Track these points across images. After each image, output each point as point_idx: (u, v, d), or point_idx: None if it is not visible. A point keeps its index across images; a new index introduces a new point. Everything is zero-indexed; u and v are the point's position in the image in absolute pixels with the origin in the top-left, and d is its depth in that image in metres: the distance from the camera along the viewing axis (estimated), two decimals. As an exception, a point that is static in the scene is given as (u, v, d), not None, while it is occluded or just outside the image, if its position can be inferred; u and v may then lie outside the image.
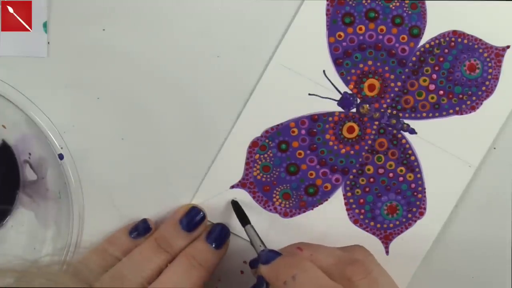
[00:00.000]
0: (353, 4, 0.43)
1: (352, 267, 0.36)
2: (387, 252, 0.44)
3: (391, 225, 0.44)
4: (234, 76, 0.43)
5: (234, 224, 0.43)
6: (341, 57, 0.43)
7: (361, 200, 0.44)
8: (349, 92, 0.43)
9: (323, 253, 0.37)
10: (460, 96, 0.44)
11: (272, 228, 0.41)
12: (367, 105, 0.44)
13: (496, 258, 0.45)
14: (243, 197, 0.44)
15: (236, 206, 0.43)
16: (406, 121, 0.44)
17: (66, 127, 0.43)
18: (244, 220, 0.41)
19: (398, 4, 0.43)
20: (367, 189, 0.44)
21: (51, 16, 0.42)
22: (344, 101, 0.43)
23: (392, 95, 0.44)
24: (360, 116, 0.44)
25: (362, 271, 0.35)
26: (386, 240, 0.44)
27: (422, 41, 0.43)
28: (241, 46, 0.43)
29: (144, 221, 0.43)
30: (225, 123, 0.43)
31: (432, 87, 0.43)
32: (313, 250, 0.37)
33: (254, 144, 0.43)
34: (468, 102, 0.44)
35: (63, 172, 0.42)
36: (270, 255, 0.37)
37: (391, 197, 0.44)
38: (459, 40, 0.43)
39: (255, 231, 0.40)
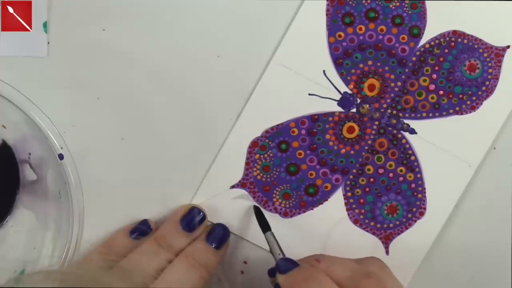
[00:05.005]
0: (353, 4, 0.43)
1: (367, 280, 0.36)
2: (387, 252, 0.44)
3: (391, 225, 0.44)
4: (234, 76, 0.43)
5: (234, 224, 0.43)
6: (341, 57, 0.43)
7: (361, 200, 0.44)
8: (349, 92, 0.43)
9: (339, 266, 0.37)
10: (460, 96, 0.44)
11: (272, 228, 0.41)
12: (367, 105, 0.44)
13: (496, 258, 0.45)
14: (243, 197, 0.44)
15: (258, 211, 0.43)
16: (406, 121, 0.44)
17: (66, 127, 0.43)
18: (265, 226, 0.41)
19: (398, 4, 0.43)
20: (367, 189, 0.44)
21: (51, 16, 0.42)
22: (344, 101, 0.43)
23: (392, 95, 0.44)
24: (360, 116, 0.44)
25: (377, 285, 0.36)
26: (386, 240, 0.44)
27: (422, 41, 0.43)
28: (241, 46, 0.43)
29: (144, 221, 0.43)
30: (225, 123, 0.43)
31: (432, 87, 0.43)
32: (329, 262, 0.38)
33: (254, 144, 0.43)
34: (468, 102, 0.44)
35: (63, 172, 0.42)
36: (287, 265, 0.37)
37: (391, 197, 0.44)
38: (459, 40, 0.43)
39: (275, 238, 0.40)
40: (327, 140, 0.44)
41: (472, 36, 0.43)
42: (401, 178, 0.44)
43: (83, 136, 0.43)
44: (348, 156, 0.44)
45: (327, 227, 0.44)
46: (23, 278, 0.39)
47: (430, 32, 0.43)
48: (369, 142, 0.44)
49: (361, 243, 0.44)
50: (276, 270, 0.38)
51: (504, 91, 0.43)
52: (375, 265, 0.38)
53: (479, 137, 0.44)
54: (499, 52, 0.43)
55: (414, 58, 0.43)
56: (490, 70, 0.43)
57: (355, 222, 0.44)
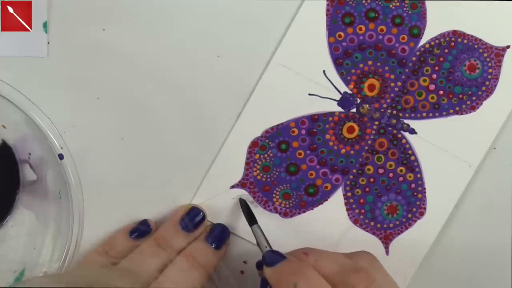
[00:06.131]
0: (353, 4, 0.43)
1: (356, 275, 0.35)
2: (387, 252, 0.44)
3: (391, 225, 0.44)
4: (234, 76, 0.43)
5: (234, 224, 0.43)
6: (341, 57, 0.43)
7: (361, 200, 0.44)
8: (349, 92, 0.43)
9: (328, 260, 0.37)
10: (460, 96, 0.44)
11: (272, 228, 0.41)
12: (367, 105, 0.44)
13: (496, 258, 0.45)
14: (243, 197, 0.43)
15: (244, 205, 0.43)
16: (406, 121, 0.44)
17: (66, 127, 0.43)
18: (251, 219, 0.41)
19: (398, 4, 0.43)
20: (367, 189, 0.44)
21: (51, 16, 0.42)
22: (344, 101, 0.43)
23: (392, 95, 0.44)
24: (360, 116, 0.44)
25: (365, 279, 0.35)
26: (386, 240, 0.44)
27: (422, 41, 0.43)
28: (241, 46, 0.43)
29: (144, 221, 0.43)
30: (225, 123, 0.43)
31: (432, 87, 0.43)
32: (318, 256, 0.37)
33: (254, 144, 0.43)
34: (468, 102, 0.44)
35: (63, 172, 0.42)
36: (274, 258, 0.37)
37: (391, 197, 0.44)
38: (459, 40, 0.43)
39: (261, 231, 0.40)
40: (327, 140, 0.44)
41: (472, 36, 0.43)
42: (401, 178, 0.44)
43: (83, 136, 0.43)
44: (348, 156, 0.44)
45: (327, 227, 0.44)
46: (27, 282, 0.39)
47: (430, 32, 0.43)
48: (369, 142, 0.44)
49: (361, 243, 0.44)
50: (262, 262, 0.37)
51: (504, 91, 0.43)
52: (365, 259, 0.38)
53: (479, 137, 0.44)
54: (499, 52, 0.43)
55: (414, 58, 0.43)
56: (490, 70, 0.43)
57: (355, 222, 0.44)
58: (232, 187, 0.44)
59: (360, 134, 0.44)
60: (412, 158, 0.44)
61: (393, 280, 0.37)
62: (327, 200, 0.44)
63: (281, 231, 0.43)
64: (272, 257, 0.37)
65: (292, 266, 0.36)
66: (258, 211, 0.43)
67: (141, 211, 0.43)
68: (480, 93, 0.43)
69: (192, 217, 0.42)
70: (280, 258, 0.37)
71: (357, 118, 0.44)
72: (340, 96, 0.43)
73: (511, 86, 0.43)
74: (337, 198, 0.44)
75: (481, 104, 0.44)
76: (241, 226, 0.43)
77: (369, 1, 0.43)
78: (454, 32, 0.43)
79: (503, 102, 0.43)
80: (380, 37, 0.43)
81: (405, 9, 0.43)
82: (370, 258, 0.38)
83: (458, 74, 0.43)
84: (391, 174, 0.44)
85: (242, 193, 0.43)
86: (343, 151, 0.44)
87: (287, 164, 0.44)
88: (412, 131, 0.44)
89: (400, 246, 0.44)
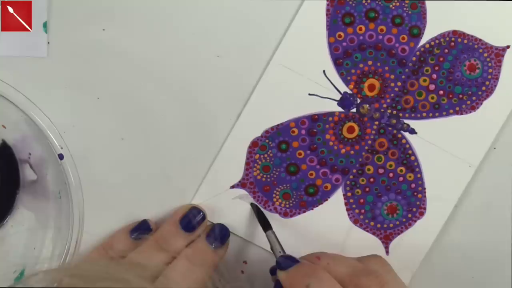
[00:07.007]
0: (353, 4, 0.43)
1: (367, 278, 0.36)
2: (387, 252, 0.44)
3: (391, 225, 0.44)
4: (234, 76, 0.43)
5: (234, 224, 0.43)
6: (341, 57, 0.43)
7: (361, 200, 0.44)
8: (349, 92, 0.43)
9: (339, 263, 0.37)
10: (460, 96, 0.44)
11: (272, 228, 0.41)
12: (367, 105, 0.44)
13: (496, 258, 0.45)
14: (243, 197, 0.44)
15: (257, 210, 0.43)
16: (406, 121, 0.44)
17: (66, 127, 0.43)
18: (265, 225, 0.41)
19: (398, 4, 0.43)
20: (367, 189, 0.44)
21: (51, 16, 0.42)
22: (344, 101, 0.43)
23: (392, 95, 0.44)
24: (360, 116, 0.44)
25: (377, 282, 0.36)
26: (386, 240, 0.44)
27: (422, 41, 0.43)
28: (241, 46, 0.43)
29: (145, 221, 0.43)
30: (225, 123, 0.43)
31: (432, 87, 0.43)
32: (330, 260, 0.38)
33: (254, 144, 0.43)
34: (468, 102, 0.44)
35: (63, 172, 0.42)
36: (288, 262, 0.38)
37: (391, 197, 0.44)
38: (459, 40, 0.43)
39: (276, 237, 0.40)
40: (327, 140, 0.44)
41: (472, 36, 0.43)
42: (401, 178, 0.44)
43: (83, 136, 0.43)
44: (348, 156, 0.44)
45: (327, 227, 0.44)
46: (38, 275, 0.39)
47: (430, 32, 0.43)
48: (369, 142, 0.44)
49: (361, 243, 0.44)
50: (276, 267, 0.38)
51: (504, 91, 0.43)
52: (376, 262, 0.39)
53: (479, 137, 0.44)
54: (499, 52, 0.43)
55: (414, 58, 0.43)
56: (490, 70, 0.43)
57: (355, 222, 0.44)
58: (232, 187, 0.44)
59: (360, 134, 0.44)
60: (412, 158, 0.44)
61: (403, 282, 0.38)
62: (327, 200, 0.44)
63: (281, 231, 0.43)
64: (286, 262, 0.38)
65: (305, 268, 0.37)
66: (258, 211, 0.43)
67: (141, 211, 0.43)
68: (480, 93, 0.43)
69: (192, 217, 0.42)
70: (293, 262, 0.38)
71: (357, 118, 0.44)
72: (340, 96, 0.43)
73: (511, 86, 0.43)
74: (337, 198, 0.44)
75: (481, 104, 0.44)
76: (241, 226, 0.43)
77: (369, 1, 0.43)
78: (454, 32, 0.43)
79: (503, 102, 0.43)
80: (380, 37, 0.43)
81: (405, 9, 0.43)
82: (381, 261, 0.39)
83: (458, 74, 0.43)
84: (391, 174, 0.44)
85: (242, 193, 0.43)
86: (343, 151, 0.44)
87: (287, 164, 0.44)
88: (412, 131, 0.44)
89: (400, 246, 0.44)
